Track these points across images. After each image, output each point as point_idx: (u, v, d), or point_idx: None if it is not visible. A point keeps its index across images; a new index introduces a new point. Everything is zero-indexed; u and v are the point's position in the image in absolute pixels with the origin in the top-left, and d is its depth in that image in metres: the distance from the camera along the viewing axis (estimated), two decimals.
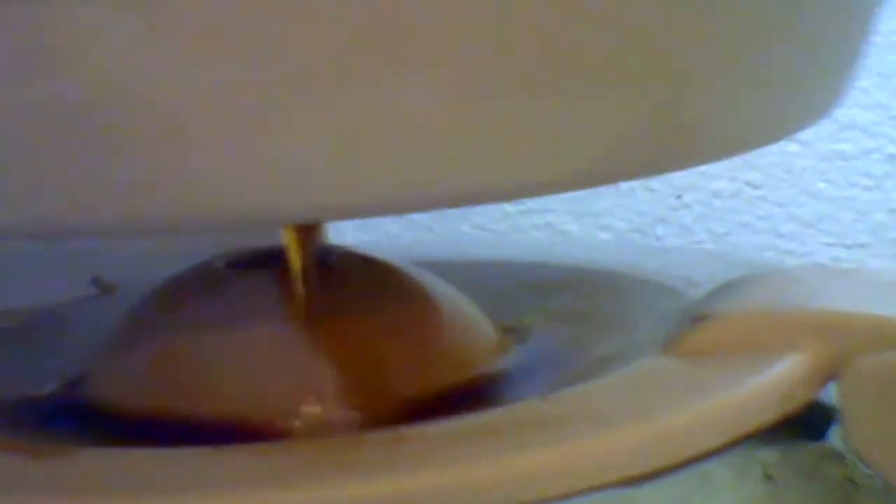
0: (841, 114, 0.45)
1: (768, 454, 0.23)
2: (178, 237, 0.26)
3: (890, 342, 0.23)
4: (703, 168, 0.46)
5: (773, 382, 0.22)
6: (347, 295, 0.25)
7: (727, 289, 0.25)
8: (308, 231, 0.26)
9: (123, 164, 0.18)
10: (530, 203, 0.48)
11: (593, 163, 0.20)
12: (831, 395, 0.23)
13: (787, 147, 0.46)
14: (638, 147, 0.21)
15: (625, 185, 0.47)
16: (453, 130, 0.19)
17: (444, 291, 0.26)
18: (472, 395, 0.25)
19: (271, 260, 0.26)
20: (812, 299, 0.24)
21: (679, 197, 0.47)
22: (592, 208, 0.47)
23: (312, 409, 0.24)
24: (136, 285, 0.28)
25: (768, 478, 0.23)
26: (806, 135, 0.45)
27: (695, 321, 0.24)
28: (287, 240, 0.25)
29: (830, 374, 0.23)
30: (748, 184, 0.46)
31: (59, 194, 0.18)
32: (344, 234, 0.40)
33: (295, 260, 0.25)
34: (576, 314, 0.28)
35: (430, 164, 0.19)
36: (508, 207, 0.48)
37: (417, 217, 0.49)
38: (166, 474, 0.21)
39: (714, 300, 0.25)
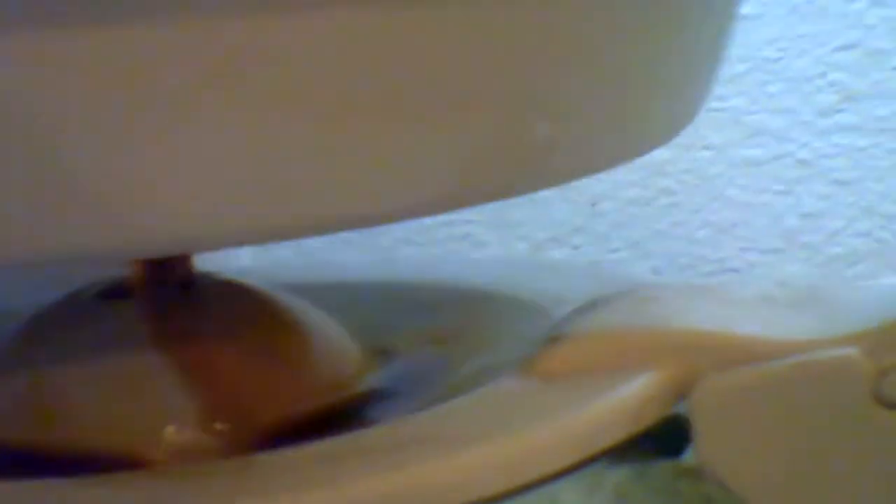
0: (751, 119, 0.45)
1: (621, 473, 0.23)
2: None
3: (738, 359, 0.23)
4: (617, 176, 0.46)
5: (621, 402, 0.23)
6: (211, 321, 0.26)
7: (584, 309, 0.25)
8: (173, 260, 0.26)
9: None
10: (449, 215, 0.48)
11: (447, 188, 0.21)
12: None
13: (698, 154, 0.46)
14: (489, 171, 0.21)
15: (541, 195, 0.47)
16: (300, 160, 0.19)
17: (309, 315, 0.27)
18: (337, 418, 0.25)
19: (139, 289, 0.26)
20: (664, 318, 0.24)
21: (595, 205, 0.47)
22: (510, 218, 0.48)
23: (174, 438, 0.24)
24: (19, 313, 0.28)
25: (620, 497, 0.23)
26: (717, 141, 0.46)
27: (550, 341, 0.24)
28: (149, 270, 0.25)
29: (681, 392, 0.23)
30: (662, 191, 0.46)
31: None
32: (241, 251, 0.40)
33: (157, 289, 0.25)
34: (445, 335, 0.28)
35: (283, 194, 0.19)
36: (427, 220, 0.48)
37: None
38: None
39: (570, 320, 0.25)
